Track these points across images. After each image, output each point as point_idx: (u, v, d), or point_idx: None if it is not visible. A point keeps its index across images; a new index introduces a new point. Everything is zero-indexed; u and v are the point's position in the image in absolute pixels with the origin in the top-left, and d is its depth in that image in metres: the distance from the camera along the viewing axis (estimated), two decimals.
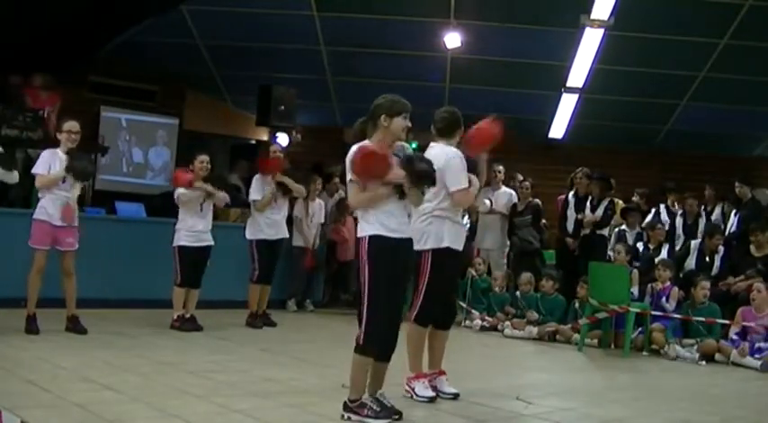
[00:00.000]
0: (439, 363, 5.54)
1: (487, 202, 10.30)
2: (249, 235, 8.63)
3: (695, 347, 8.06)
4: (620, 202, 11.13)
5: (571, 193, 10.38)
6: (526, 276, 9.63)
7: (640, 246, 9.98)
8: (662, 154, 14.00)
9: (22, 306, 7.10)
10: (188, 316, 8.00)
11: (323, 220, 10.59)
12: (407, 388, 5.34)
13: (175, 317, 7.96)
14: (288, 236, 9.09)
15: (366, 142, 4.67)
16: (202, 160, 8.17)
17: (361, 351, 4.57)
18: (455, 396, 5.42)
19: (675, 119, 13.05)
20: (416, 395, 5.27)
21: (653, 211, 10.99)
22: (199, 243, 8.06)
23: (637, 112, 12.94)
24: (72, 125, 7.16)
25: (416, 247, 5.09)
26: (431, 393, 5.30)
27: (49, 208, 7.01)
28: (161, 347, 6.78)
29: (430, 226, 5.31)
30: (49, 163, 7.02)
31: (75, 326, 7.14)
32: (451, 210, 5.36)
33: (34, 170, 7.07)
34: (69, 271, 7.15)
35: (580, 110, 12.95)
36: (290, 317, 9.74)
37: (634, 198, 11.54)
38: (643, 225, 10.48)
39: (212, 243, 8.17)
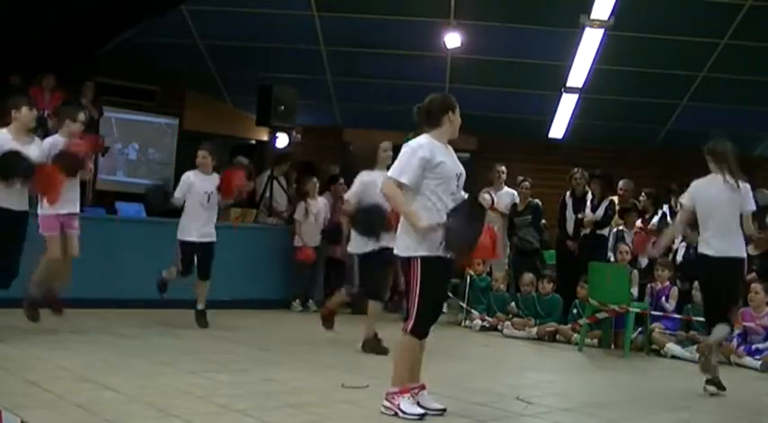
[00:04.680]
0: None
1: (487, 196, 10.24)
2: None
3: (695, 347, 8.06)
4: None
5: (568, 194, 10.34)
6: (528, 277, 9.62)
7: None
8: (662, 154, 13.98)
9: (22, 306, 7.07)
10: (200, 308, 8.08)
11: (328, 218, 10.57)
12: (389, 405, 4.74)
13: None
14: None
15: None
16: (203, 155, 8.18)
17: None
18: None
19: (675, 119, 13.04)
20: (403, 413, 4.67)
21: (659, 212, 10.96)
22: (200, 238, 8.03)
23: (637, 112, 12.93)
24: (81, 116, 7.20)
25: None
26: (419, 410, 4.71)
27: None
28: (161, 347, 6.78)
29: None
30: (50, 150, 6.95)
31: (52, 303, 7.04)
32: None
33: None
34: (73, 252, 7.09)
35: (580, 110, 12.93)
36: (290, 317, 9.74)
37: (641, 198, 11.51)
38: (649, 226, 10.43)
39: (215, 239, 8.13)
